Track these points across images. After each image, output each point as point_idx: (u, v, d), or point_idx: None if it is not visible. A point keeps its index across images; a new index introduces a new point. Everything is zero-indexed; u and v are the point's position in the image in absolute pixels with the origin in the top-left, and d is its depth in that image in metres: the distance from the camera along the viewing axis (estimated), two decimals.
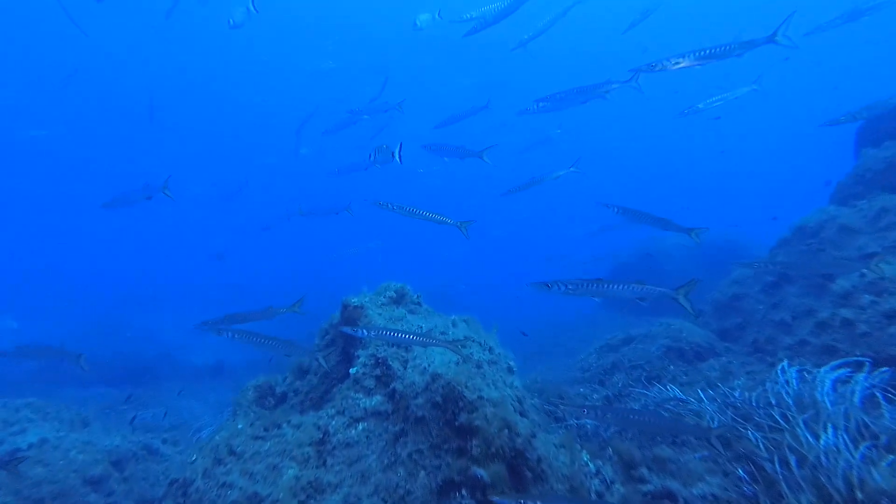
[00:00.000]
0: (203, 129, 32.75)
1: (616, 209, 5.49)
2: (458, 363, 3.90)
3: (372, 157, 5.45)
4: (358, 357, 3.84)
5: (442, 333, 4.46)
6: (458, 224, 5.03)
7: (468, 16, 7.05)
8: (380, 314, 4.35)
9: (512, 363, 5.12)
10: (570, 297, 4.04)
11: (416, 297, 5.17)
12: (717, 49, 4.73)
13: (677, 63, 4.84)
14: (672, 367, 6.79)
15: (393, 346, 3.92)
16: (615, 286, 3.94)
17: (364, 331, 3.58)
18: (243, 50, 28.08)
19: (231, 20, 7.30)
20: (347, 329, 3.61)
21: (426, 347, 4.04)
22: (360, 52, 28.61)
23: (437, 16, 7.56)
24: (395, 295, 4.80)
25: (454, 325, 5.00)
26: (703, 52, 4.82)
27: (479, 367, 4.07)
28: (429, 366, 3.85)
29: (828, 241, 6.37)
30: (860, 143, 8.13)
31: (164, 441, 6.40)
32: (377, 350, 3.85)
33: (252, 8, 7.33)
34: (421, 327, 4.32)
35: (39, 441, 5.27)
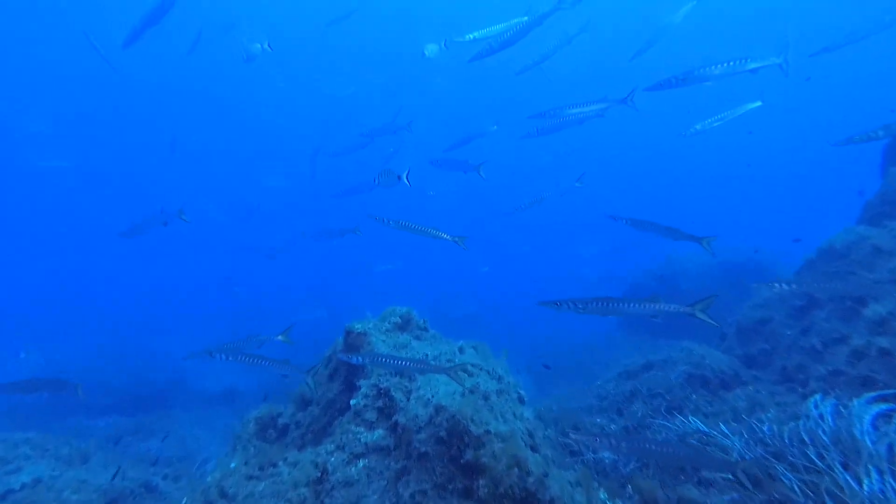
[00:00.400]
0: (220, 151, 33.52)
1: (625, 221, 5.42)
2: (463, 394, 3.69)
3: (376, 181, 5.43)
4: (360, 387, 3.66)
5: (448, 361, 4.26)
6: (455, 238, 5.00)
7: (470, 37, 7.05)
8: (384, 341, 4.18)
9: (522, 392, 4.87)
10: (582, 315, 3.98)
11: (422, 321, 5.00)
12: (722, 68, 4.71)
13: (683, 80, 4.78)
14: (694, 395, 6.43)
15: (396, 376, 3.73)
16: (628, 304, 3.85)
17: (360, 357, 3.42)
18: (264, 74, 28.93)
19: (245, 54, 7.44)
20: (343, 356, 3.45)
21: (432, 376, 3.84)
22: (377, 75, 29.15)
23: (443, 45, 7.59)
24: (400, 321, 4.64)
25: (461, 351, 4.80)
26: (707, 71, 4.86)
27: (486, 398, 3.85)
28: (433, 397, 3.65)
29: (857, 263, 6.03)
30: (887, 161, 7.81)
31: (165, 477, 6.23)
32: (380, 380, 3.68)
33: (268, 47, 7.46)
34: (427, 355, 4.13)
35: (33, 481, 5.14)
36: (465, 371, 4.14)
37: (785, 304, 6.92)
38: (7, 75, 28.25)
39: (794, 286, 5.77)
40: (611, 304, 3.83)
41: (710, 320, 3.97)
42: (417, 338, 4.77)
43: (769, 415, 5.48)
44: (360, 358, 3.42)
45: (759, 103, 6.38)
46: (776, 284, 5.55)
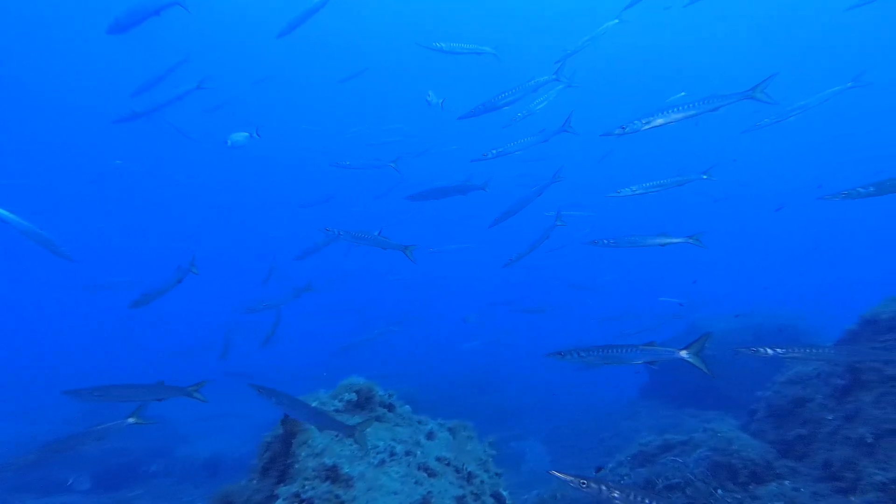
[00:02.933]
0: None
1: (608, 242, 5.48)
2: None
3: (329, 231, 5.29)
4: (277, 497, 3.04)
5: (407, 455, 3.60)
6: (403, 248, 4.94)
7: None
8: None
9: (504, 492, 4.10)
10: (585, 366, 4.17)
11: (387, 397, 4.38)
12: (694, 105, 4.52)
13: (649, 123, 4.57)
14: (720, 490, 5.43)
15: (327, 480, 3.10)
16: (625, 351, 3.95)
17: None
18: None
19: (229, 141, 7.39)
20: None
21: (379, 478, 3.19)
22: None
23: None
24: (356, 397, 4.04)
25: (430, 437, 4.12)
26: (677, 111, 4.62)
27: None
28: None
29: None
30: None
31: None
32: (304, 487, 3.05)
33: (255, 135, 7.46)
34: (376, 446, 3.48)
35: None
36: (426, 470, 3.47)
37: (824, 382, 5.96)
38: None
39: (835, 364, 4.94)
40: (610, 352, 3.91)
41: (703, 367, 3.90)
42: (379, 419, 4.14)
43: None
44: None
45: (705, 176, 6.01)
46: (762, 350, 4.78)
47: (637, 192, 5.35)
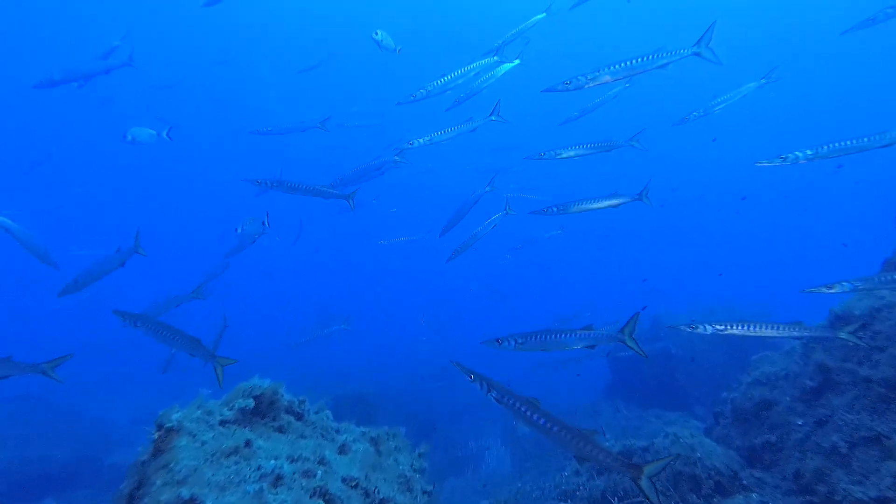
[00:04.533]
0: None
1: (556, 209, 5.54)
2: None
3: (239, 230, 4.87)
4: None
5: (305, 475, 2.83)
6: (344, 196, 4.98)
7: (414, 95, 6.42)
8: (203, 443, 2.76)
9: None
10: (522, 351, 4.07)
11: (295, 403, 3.59)
12: (638, 62, 4.39)
13: (595, 80, 4.37)
14: None
15: None
16: (564, 335, 3.94)
17: None
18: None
19: (129, 136, 6.47)
20: None
21: None
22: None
23: (396, 49, 6.88)
24: (253, 404, 3.23)
25: (343, 451, 3.36)
26: (622, 67, 4.45)
27: None
28: None
29: (886, 337, 4.71)
30: None
31: None
32: None
33: (165, 136, 6.60)
34: (260, 468, 2.68)
35: None
36: (323, 496, 2.71)
37: (792, 384, 5.52)
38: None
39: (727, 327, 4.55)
40: (548, 338, 3.89)
41: (639, 349, 3.94)
42: (280, 429, 3.35)
43: None
44: None
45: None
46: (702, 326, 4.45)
47: (563, 156, 5.41)
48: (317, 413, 3.93)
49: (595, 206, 5.46)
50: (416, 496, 3.49)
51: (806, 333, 4.59)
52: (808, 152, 4.25)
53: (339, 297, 24.04)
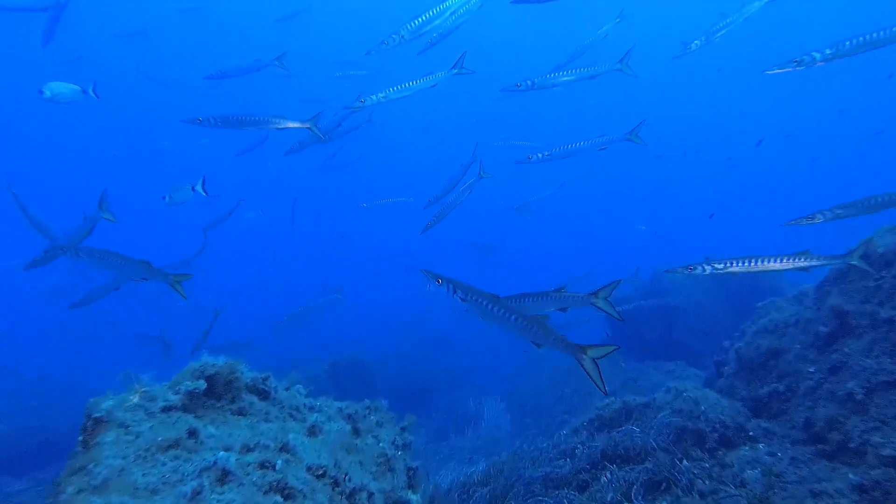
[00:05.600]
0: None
1: (542, 155, 5.37)
2: None
3: (167, 199, 4.58)
4: None
5: (260, 467, 2.45)
6: (305, 124, 4.66)
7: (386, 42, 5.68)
8: (136, 438, 2.35)
9: (413, 496, 3.06)
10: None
11: (259, 381, 3.19)
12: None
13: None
14: (686, 461, 4.64)
15: None
16: (536, 299, 3.84)
17: None
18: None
19: (47, 91, 5.61)
20: None
21: None
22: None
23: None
24: (204, 385, 2.81)
25: (313, 433, 2.99)
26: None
27: None
28: None
29: None
30: None
31: None
32: None
33: (91, 92, 5.75)
34: (205, 462, 2.29)
35: None
36: (281, 492, 2.34)
37: (803, 331, 5.19)
38: None
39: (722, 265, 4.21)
40: (522, 302, 3.79)
41: (612, 311, 3.84)
42: (240, 411, 2.95)
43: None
44: None
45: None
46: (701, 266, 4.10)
47: (541, 85, 5.20)
48: (287, 390, 3.55)
49: (581, 147, 5.03)
50: (398, 475, 3.16)
51: (814, 263, 4.18)
52: (827, 52, 3.71)
53: (339, 269, 23.70)
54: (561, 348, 3.31)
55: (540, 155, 5.18)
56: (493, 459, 6.83)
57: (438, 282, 3.45)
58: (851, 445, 4.06)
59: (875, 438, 3.78)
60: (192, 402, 2.80)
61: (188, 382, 2.80)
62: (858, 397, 4.16)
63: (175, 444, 2.39)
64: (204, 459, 2.28)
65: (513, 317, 3.32)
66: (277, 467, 2.45)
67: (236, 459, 2.35)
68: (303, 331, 15.35)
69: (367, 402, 3.87)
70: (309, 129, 4.35)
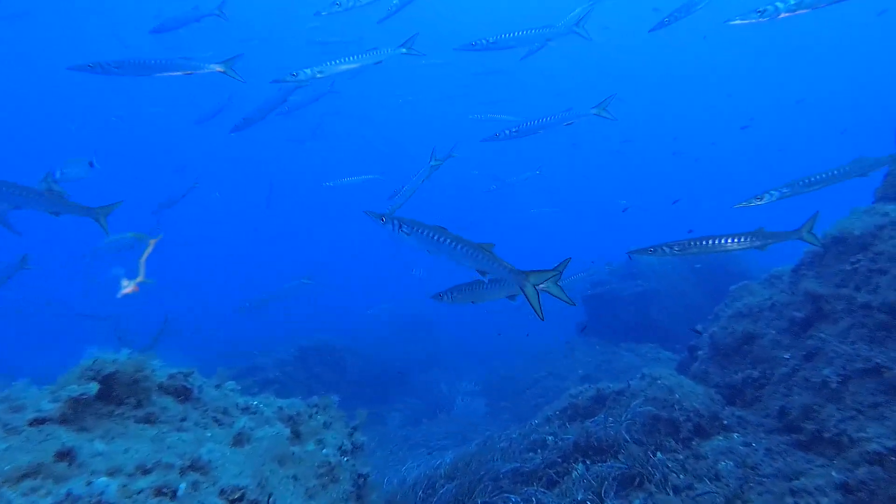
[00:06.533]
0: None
1: (510, 132, 5.24)
2: None
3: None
4: None
5: (156, 494, 2.03)
6: (222, 67, 4.49)
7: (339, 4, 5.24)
8: None
9: None
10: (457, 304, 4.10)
11: (180, 377, 2.77)
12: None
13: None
14: (660, 454, 4.44)
15: None
16: (492, 287, 3.79)
17: None
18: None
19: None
20: None
21: None
22: None
23: None
24: (96, 389, 2.36)
25: (239, 442, 2.59)
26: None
27: None
28: None
29: (887, 257, 4.14)
30: None
31: None
32: None
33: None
34: (69, 494, 1.87)
35: None
36: None
37: (778, 315, 5.02)
38: None
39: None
40: (479, 290, 3.82)
41: (562, 296, 3.45)
42: (148, 418, 2.53)
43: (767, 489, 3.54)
44: None
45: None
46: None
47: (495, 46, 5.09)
48: (217, 388, 3.14)
49: (548, 122, 4.74)
50: (343, 485, 2.80)
51: (769, 241, 3.99)
52: (791, 2, 3.44)
53: (320, 255, 23.03)
54: (504, 274, 3.35)
55: (507, 132, 4.87)
56: (462, 450, 6.58)
57: (382, 220, 3.45)
58: (827, 436, 3.91)
59: (852, 430, 3.60)
60: (78, 412, 2.35)
61: (74, 386, 2.35)
62: (834, 385, 4.00)
63: (35, 472, 1.93)
64: (70, 491, 1.83)
65: (458, 245, 3.34)
66: (179, 493, 2.04)
67: (122, 487, 1.93)
68: (274, 315, 14.78)
69: (315, 399, 3.50)
70: (225, 71, 3.80)
